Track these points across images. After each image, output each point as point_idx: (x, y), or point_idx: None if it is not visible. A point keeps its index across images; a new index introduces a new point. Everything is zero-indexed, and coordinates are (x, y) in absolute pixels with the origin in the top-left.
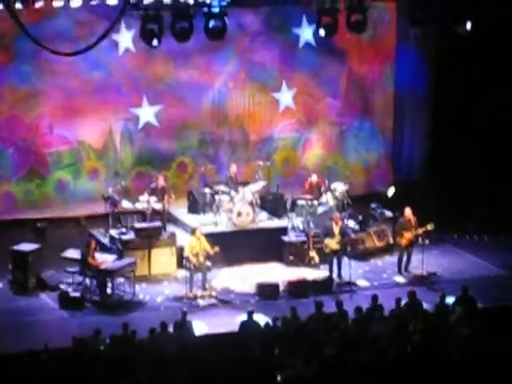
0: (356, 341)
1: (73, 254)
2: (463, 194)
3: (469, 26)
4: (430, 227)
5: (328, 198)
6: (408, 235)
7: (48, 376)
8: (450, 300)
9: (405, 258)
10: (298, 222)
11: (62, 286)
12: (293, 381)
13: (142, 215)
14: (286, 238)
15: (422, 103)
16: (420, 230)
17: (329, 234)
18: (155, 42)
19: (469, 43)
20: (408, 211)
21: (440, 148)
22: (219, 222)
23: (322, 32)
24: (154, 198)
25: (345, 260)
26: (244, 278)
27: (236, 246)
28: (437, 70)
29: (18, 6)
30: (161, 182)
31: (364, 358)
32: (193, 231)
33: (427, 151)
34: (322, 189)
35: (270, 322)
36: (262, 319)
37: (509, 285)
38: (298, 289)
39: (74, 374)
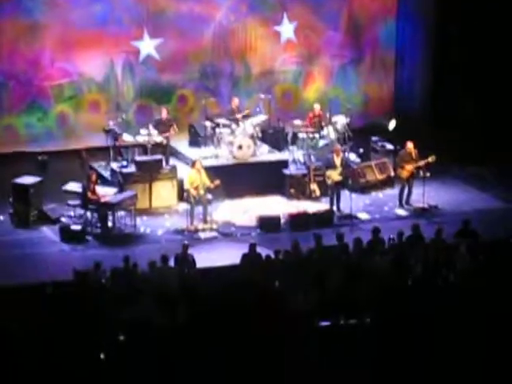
0: (357, 273)
1: (74, 187)
2: (464, 127)
3: None
4: (431, 159)
5: (329, 131)
6: (409, 168)
7: (51, 308)
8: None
9: (406, 191)
10: (299, 154)
11: (63, 219)
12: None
13: (142, 148)
14: (287, 171)
15: (424, 37)
16: (421, 162)
17: (330, 165)
18: None
19: None
20: (410, 144)
21: (442, 82)
22: (220, 154)
23: None
24: (155, 131)
25: (346, 193)
26: (245, 210)
27: (237, 179)
28: (442, 4)
29: None
30: (164, 114)
31: (365, 290)
32: (193, 164)
33: (429, 85)
34: (323, 122)
35: (272, 254)
36: (263, 252)
37: (510, 217)
38: (299, 221)
39: (77, 307)
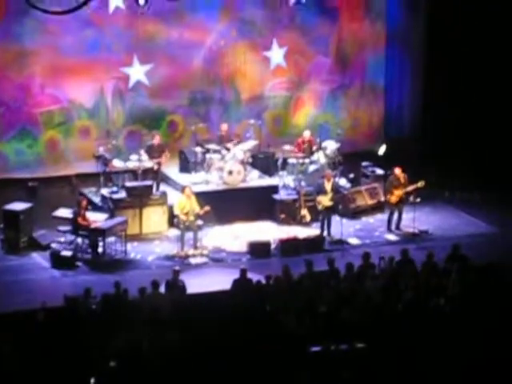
0: (348, 298)
1: (64, 213)
2: (454, 152)
3: None
4: (420, 184)
5: (319, 157)
6: (398, 193)
7: (42, 334)
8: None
9: (396, 216)
10: (289, 180)
11: (54, 245)
12: (285, 338)
13: (133, 174)
14: (277, 197)
15: (414, 61)
16: (410, 188)
17: (321, 191)
18: (141, 1)
19: None
20: (398, 170)
21: (431, 106)
22: (210, 180)
23: None
24: (145, 157)
25: (336, 218)
26: (236, 236)
27: (227, 205)
28: (430, 25)
29: None
30: (157, 139)
31: (356, 315)
32: (183, 190)
33: (418, 110)
34: (314, 147)
35: (263, 280)
36: (254, 277)
37: (499, 241)
38: (290, 247)
39: (68, 333)
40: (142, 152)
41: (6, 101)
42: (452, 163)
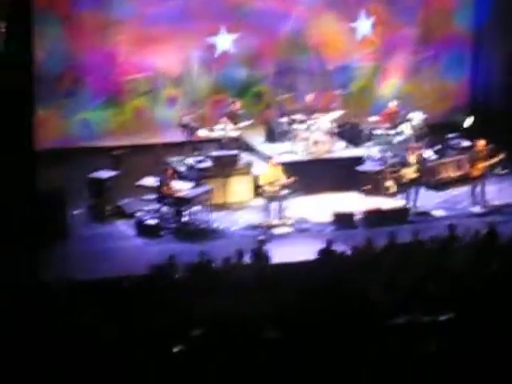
0: (433, 271)
1: (149, 181)
2: None
3: None
4: (502, 156)
5: (405, 128)
6: (481, 166)
7: (127, 303)
8: None
9: (479, 189)
10: (374, 151)
11: (139, 214)
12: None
13: (218, 143)
14: (362, 168)
15: (502, 33)
16: (493, 160)
17: (406, 163)
18: None
19: None
20: (481, 142)
21: None
22: (296, 150)
23: None
24: (230, 126)
25: (421, 190)
26: (320, 207)
27: (313, 175)
28: None
29: None
30: (237, 106)
31: (441, 288)
32: (269, 160)
33: (506, 81)
34: (400, 118)
35: (348, 250)
36: (339, 248)
37: None
38: (375, 218)
39: (151, 302)
40: (225, 119)
41: (93, 69)
42: None
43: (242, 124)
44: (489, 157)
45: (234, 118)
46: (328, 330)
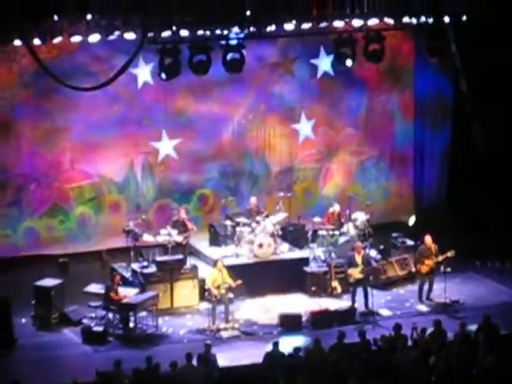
0: (379, 370)
1: (95, 288)
2: (484, 221)
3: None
4: (450, 254)
5: (349, 228)
6: (429, 263)
7: None
8: (473, 328)
9: (426, 287)
10: (319, 252)
11: (85, 321)
12: None
13: (163, 248)
14: (307, 269)
15: (442, 131)
16: (441, 258)
17: (351, 263)
18: (163, 76)
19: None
20: (428, 239)
21: (461, 176)
22: (241, 253)
23: (348, 62)
24: (175, 231)
25: (369, 290)
26: (267, 309)
27: (258, 278)
28: (458, 95)
29: (37, 41)
30: (182, 214)
31: None
32: (214, 263)
33: (448, 180)
34: (343, 219)
35: (293, 352)
36: (286, 349)
37: None
38: (321, 319)
39: None
40: (168, 227)
41: (37, 177)
42: (482, 232)
43: (186, 233)
44: (437, 253)
45: (178, 226)
46: None
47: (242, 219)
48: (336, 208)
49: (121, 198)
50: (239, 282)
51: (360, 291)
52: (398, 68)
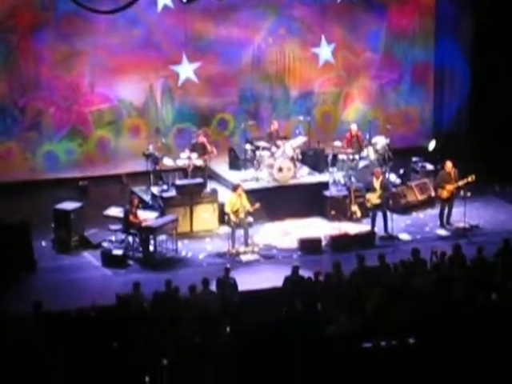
0: (399, 294)
1: (115, 211)
2: (505, 145)
3: None
4: (470, 179)
5: (369, 152)
6: (449, 188)
7: (94, 333)
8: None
9: (446, 211)
10: (339, 176)
11: (105, 244)
12: (337, 336)
13: (183, 172)
14: (327, 193)
15: (463, 56)
16: (461, 182)
17: (369, 188)
18: None
19: None
20: (449, 164)
21: (482, 100)
22: (260, 177)
23: None
24: (195, 154)
25: (389, 214)
26: (286, 233)
27: (277, 202)
28: (478, 23)
29: None
30: (201, 137)
31: (406, 310)
32: (234, 188)
33: (468, 104)
34: (363, 143)
35: (313, 276)
36: (305, 274)
37: None
38: (341, 243)
39: (120, 331)
40: (187, 151)
41: (56, 100)
42: (503, 157)
43: (205, 156)
44: (458, 178)
45: (197, 149)
46: (298, 355)
47: (261, 143)
48: (353, 128)
49: (140, 121)
50: (257, 205)
51: (380, 215)
52: None
